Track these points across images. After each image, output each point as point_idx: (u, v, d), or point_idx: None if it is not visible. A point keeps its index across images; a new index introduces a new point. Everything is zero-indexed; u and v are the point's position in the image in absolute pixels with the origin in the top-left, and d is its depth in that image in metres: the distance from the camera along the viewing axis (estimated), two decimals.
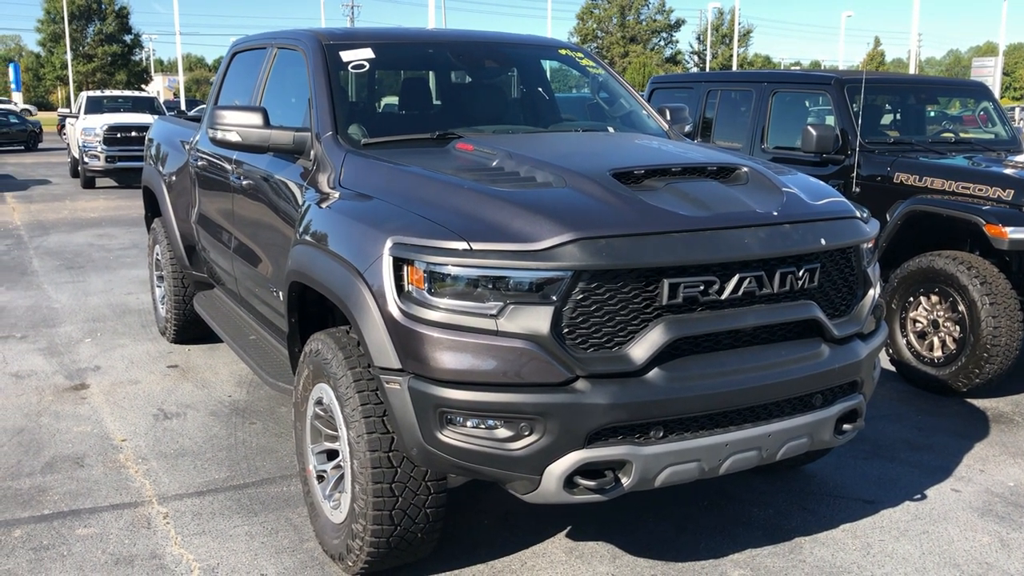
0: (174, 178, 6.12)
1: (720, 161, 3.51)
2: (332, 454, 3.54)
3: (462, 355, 2.86)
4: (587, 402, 2.83)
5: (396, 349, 2.96)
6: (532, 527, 3.82)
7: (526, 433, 2.87)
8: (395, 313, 2.95)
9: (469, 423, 2.91)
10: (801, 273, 3.14)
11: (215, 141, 4.11)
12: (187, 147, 5.84)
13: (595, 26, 73.46)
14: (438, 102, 4.59)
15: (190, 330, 6.48)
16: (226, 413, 5.18)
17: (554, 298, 2.83)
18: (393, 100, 4.54)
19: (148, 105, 21.13)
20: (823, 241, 3.19)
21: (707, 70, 56.92)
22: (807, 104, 7.29)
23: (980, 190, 5.58)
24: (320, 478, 3.58)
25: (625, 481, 2.95)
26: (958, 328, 5.48)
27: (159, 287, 6.80)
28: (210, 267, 5.71)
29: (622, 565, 3.53)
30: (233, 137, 4.01)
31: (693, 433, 3.01)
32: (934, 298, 5.62)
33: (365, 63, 4.26)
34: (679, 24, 75.09)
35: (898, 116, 7.05)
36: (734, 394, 3.02)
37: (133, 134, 17.58)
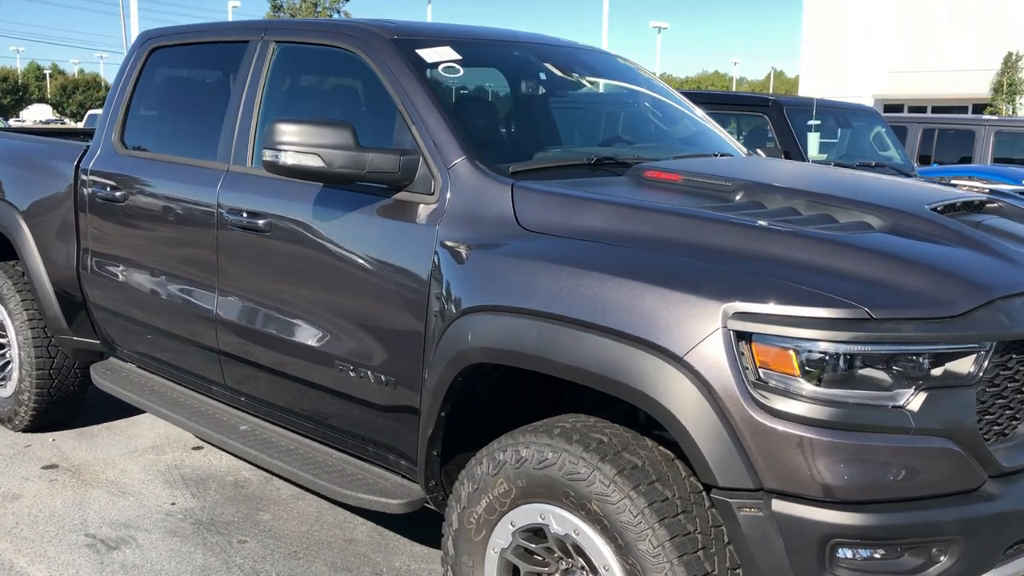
0: (44, 213, 4.54)
1: (969, 196, 3.02)
2: None
3: (861, 464, 2.11)
4: (1007, 509, 2.21)
5: (751, 460, 2.13)
6: None
7: (940, 559, 2.18)
8: (750, 411, 2.12)
9: (864, 554, 2.16)
10: None
11: (275, 167, 2.93)
12: (74, 171, 4.34)
13: None
14: (542, 118, 3.65)
15: (52, 414, 4.90)
16: (190, 531, 3.83)
17: (975, 376, 2.16)
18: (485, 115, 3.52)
19: None
20: None
21: None
22: (740, 125, 7.06)
23: None
24: None
25: None
26: None
27: None
28: (119, 331, 4.28)
29: None
30: (311, 162, 2.86)
31: None
32: None
33: (456, 65, 3.27)
34: None
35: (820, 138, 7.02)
36: None
37: None
